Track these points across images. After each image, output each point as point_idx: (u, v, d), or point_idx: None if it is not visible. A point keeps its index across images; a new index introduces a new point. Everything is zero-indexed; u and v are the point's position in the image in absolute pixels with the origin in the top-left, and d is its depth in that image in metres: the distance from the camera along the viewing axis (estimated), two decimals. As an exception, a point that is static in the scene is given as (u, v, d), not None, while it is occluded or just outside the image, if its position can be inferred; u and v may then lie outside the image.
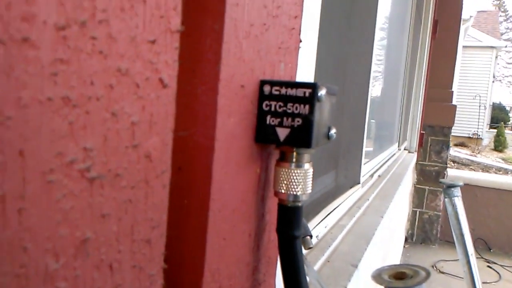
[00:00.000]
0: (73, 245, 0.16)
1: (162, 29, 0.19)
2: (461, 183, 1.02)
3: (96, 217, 0.17)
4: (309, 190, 0.34)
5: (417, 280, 0.40)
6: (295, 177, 0.33)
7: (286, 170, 0.32)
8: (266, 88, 0.30)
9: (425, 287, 0.41)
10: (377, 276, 0.43)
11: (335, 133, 0.34)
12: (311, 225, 0.96)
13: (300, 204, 0.33)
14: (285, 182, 0.33)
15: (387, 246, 1.98)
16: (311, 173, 0.34)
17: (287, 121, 0.30)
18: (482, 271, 2.87)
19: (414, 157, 3.00)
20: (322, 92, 0.29)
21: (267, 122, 0.30)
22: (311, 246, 0.59)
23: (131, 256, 0.19)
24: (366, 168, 1.60)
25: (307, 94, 0.29)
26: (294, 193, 0.33)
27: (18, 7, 0.13)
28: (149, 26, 0.19)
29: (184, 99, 0.26)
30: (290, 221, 0.33)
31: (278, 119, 0.30)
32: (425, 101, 3.16)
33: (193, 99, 0.26)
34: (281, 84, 0.30)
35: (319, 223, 0.99)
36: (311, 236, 0.61)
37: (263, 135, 0.31)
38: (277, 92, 0.30)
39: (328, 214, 1.07)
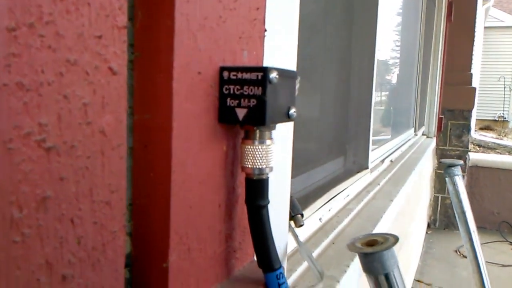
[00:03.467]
0: (34, 200, 0.20)
1: (108, 25, 0.24)
2: (460, 162, 1.03)
3: (55, 179, 0.21)
4: (272, 164, 0.37)
5: (386, 245, 0.43)
6: (258, 153, 0.36)
7: (250, 147, 0.36)
8: (225, 74, 0.34)
9: (394, 251, 0.44)
10: (351, 245, 0.46)
11: (294, 112, 0.38)
12: (314, 207, 0.99)
13: (264, 177, 0.37)
14: (250, 157, 0.36)
15: (404, 231, 1.99)
16: (273, 148, 0.37)
17: (244, 102, 0.34)
18: (506, 254, 2.83)
19: (432, 142, 2.97)
20: (273, 75, 0.33)
21: (228, 104, 0.34)
22: (302, 223, 0.63)
23: (92, 214, 0.24)
24: (376, 153, 1.61)
25: (259, 77, 0.33)
26: (259, 167, 0.36)
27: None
28: (95, 24, 0.23)
29: (146, 86, 0.30)
30: (257, 192, 0.37)
31: (237, 101, 0.34)
32: (442, 85, 3.12)
33: (153, 85, 0.30)
34: (238, 69, 0.34)
35: (322, 206, 1.02)
36: (302, 215, 0.65)
37: (225, 116, 0.35)
38: (234, 77, 0.34)
39: (333, 198, 1.10)
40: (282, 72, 0.35)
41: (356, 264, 0.95)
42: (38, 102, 0.20)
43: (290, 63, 0.54)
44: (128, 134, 0.30)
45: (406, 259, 2.41)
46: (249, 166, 0.36)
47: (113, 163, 0.25)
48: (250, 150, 0.36)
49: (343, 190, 1.19)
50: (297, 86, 0.42)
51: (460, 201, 1.03)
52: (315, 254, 0.97)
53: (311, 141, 1.32)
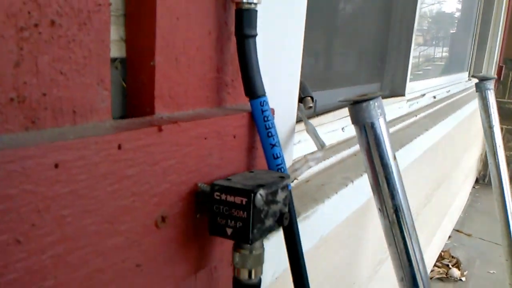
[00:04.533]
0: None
1: None
2: (494, 76, 0.98)
3: None
4: None
5: (371, 96, 0.45)
6: None
7: None
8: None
9: (380, 102, 0.46)
10: (343, 99, 0.49)
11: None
12: (337, 115, 1.01)
13: (252, 7, 0.40)
14: None
15: (441, 172, 1.95)
16: None
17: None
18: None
19: (488, 91, 2.81)
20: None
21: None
22: (310, 105, 0.66)
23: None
24: (416, 85, 1.57)
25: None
26: None
27: None
28: None
29: None
30: (245, 21, 0.40)
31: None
32: (505, 33, 2.89)
33: None
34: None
35: (345, 117, 1.03)
36: (312, 98, 0.67)
37: None
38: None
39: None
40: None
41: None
42: None
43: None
44: None
45: (446, 205, 2.37)
46: (238, -4, 0.39)
47: None
48: (239, -20, 0.39)
49: (372, 109, 1.18)
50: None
51: (488, 116, 0.99)
52: (334, 160, 1.01)
53: (348, 62, 1.31)
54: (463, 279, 2.14)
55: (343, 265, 1.00)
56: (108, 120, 0.33)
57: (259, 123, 0.42)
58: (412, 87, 1.52)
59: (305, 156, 0.59)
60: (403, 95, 1.38)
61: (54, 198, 0.26)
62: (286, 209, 0.39)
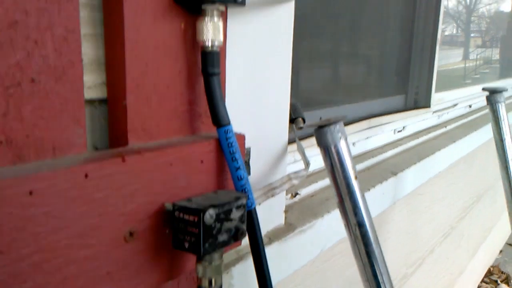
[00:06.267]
0: (6, 22, 0.33)
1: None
2: (506, 88, 0.96)
3: (20, 11, 0.34)
4: (220, 38, 0.46)
5: (334, 121, 0.50)
6: (209, 29, 0.45)
7: (202, 23, 0.45)
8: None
9: (342, 127, 0.50)
10: (309, 124, 0.53)
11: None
12: (348, 130, 1.04)
13: (214, 49, 0.46)
14: (202, 32, 0.46)
15: (475, 184, 1.87)
16: (221, 25, 0.46)
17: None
18: None
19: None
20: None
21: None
22: (301, 126, 0.71)
23: (52, 41, 0.36)
24: (445, 95, 1.54)
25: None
26: (210, 38, 0.46)
27: None
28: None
29: None
30: (209, 62, 0.46)
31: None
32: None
33: None
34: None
35: (357, 132, 1.06)
36: (303, 119, 0.73)
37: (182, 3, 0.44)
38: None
39: (373, 127, 1.13)
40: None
41: (381, 187, 0.99)
42: None
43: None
44: (99, 8, 0.42)
45: (491, 218, 2.25)
46: (202, 39, 0.46)
47: (67, 9, 0.37)
48: (202, 26, 0.46)
49: (389, 123, 1.20)
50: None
51: (500, 128, 0.97)
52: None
53: (372, 75, 1.33)
54: (511, 295, 2.04)
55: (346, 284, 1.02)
56: (84, 152, 0.40)
57: (224, 148, 0.48)
58: (441, 97, 1.50)
59: (288, 175, 0.64)
60: (428, 106, 1.37)
61: (30, 218, 0.34)
62: (243, 226, 0.44)
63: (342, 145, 0.49)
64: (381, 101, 1.30)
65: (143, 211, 0.42)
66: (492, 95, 0.96)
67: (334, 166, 0.50)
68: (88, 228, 0.38)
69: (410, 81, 1.39)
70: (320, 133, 0.50)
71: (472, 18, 7.37)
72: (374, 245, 0.49)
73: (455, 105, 1.59)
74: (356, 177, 0.50)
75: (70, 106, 0.39)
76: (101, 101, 0.45)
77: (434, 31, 1.34)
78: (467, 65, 6.00)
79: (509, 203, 1.03)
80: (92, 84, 0.43)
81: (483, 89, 1.00)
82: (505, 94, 0.98)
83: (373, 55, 1.31)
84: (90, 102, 0.43)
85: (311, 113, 1.00)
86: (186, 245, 0.41)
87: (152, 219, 0.43)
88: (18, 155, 0.36)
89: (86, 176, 0.37)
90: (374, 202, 0.97)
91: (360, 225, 0.49)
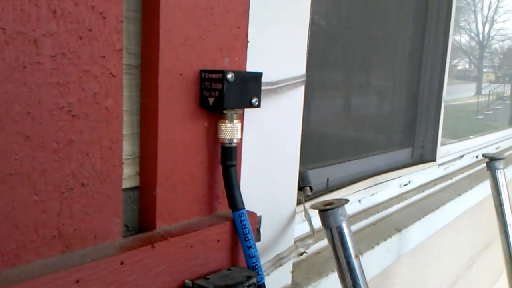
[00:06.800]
0: (64, 141, 0.41)
1: (110, 49, 0.43)
2: (503, 157, 1.01)
3: (77, 132, 0.42)
4: (238, 136, 0.54)
5: (337, 205, 0.56)
6: (228, 128, 0.53)
7: (223, 124, 0.53)
8: (203, 74, 0.52)
9: (344, 210, 0.56)
10: (313, 205, 0.60)
11: (256, 101, 0.53)
12: (352, 189, 1.10)
13: (233, 145, 0.54)
14: (222, 131, 0.53)
15: (479, 228, 1.89)
16: (239, 126, 0.54)
17: (212, 94, 0.51)
18: None
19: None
20: (229, 75, 0.50)
21: (204, 94, 0.52)
22: (308, 194, 0.78)
23: (100, 152, 0.44)
24: (451, 147, 1.60)
25: (219, 77, 0.50)
26: (228, 138, 0.53)
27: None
28: (100, 48, 0.43)
29: (145, 81, 0.49)
30: (227, 155, 0.54)
31: (208, 92, 0.51)
32: None
33: (149, 81, 0.49)
34: (209, 71, 0.51)
35: (363, 189, 1.12)
36: (311, 188, 0.79)
37: (203, 102, 0.52)
38: (208, 76, 0.51)
39: (380, 183, 1.18)
40: (240, 74, 0.51)
41: (385, 245, 1.04)
42: (67, 91, 0.41)
43: (287, 65, 0.68)
44: (136, 112, 0.50)
45: (500, 264, 2.25)
46: (222, 137, 0.54)
47: (113, 125, 0.45)
48: (222, 126, 0.53)
49: (394, 178, 1.26)
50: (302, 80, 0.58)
51: (499, 194, 1.02)
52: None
53: (379, 129, 1.40)
54: None
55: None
56: (119, 239, 0.48)
57: (238, 230, 0.55)
58: (447, 150, 1.56)
59: (295, 243, 0.70)
60: (434, 160, 1.43)
61: (76, 301, 0.41)
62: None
63: (344, 227, 0.56)
64: (388, 156, 1.36)
65: (166, 289, 0.49)
66: (492, 162, 1.02)
67: (336, 245, 0.57)
68: (121, 307, 0.45)
69: (416, 135, 1.45)
70: (324, 215, 0.57)
71: (485, 53, 7.42)
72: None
73: (461, 156, 1.64)
74: (356, 256, 0.56)
75: (111, 201, 0.46)
76: (133, 188, 0.52)
77: (439, 88, 1.41)
78: (480, 100, 6.01)
79: (508, 266, 1.06)
80: (127, 175, 0.51)
81: (483, 155, 1.06)
82: (503, 162, 1.04)
83: (380, 111, 1.38)
84: (124, 190, 0.51)
85: (318, 171, 1.07)
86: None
87: (174, 295, 0.50)
88: (66, 245, 0.43)
89: (121, 263, 0.44)
90: (378, 259, 1.02)
91: (359, 300, 0.55)
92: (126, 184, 0.51)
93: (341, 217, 0.56)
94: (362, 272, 0.57)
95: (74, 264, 0.41)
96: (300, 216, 0.89)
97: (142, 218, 0.52)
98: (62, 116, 0.41)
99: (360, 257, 0.98)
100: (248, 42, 0.58)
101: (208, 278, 0.50)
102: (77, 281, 0.41)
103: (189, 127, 0.52)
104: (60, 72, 0.40)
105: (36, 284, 0.38)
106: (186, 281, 0.50)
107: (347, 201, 0.57)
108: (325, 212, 0.57)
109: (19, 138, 0.38)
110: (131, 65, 0.49)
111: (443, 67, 1.38)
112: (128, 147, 0.50)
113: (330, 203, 0.58)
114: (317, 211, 0.58)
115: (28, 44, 0.38)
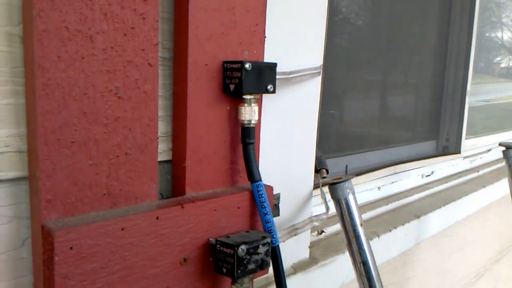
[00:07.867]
0: (112, 118, 0.51)
1: (148, 44, 0.54)
2: None
3: (122, 111, 0.52)
4: (255, 118, 0.63)
5: (344, 180, 0.64)
6: (247, 111, 0.62)
7: (242, 107, 0.62)
8: (225, 64, 0.61)
9: (351, 184, 0.64)
10: (324, 181, 0.68)
11: (271, 87, 0.62)
12: (371, 176, 1.16)
13: (251, 125, 0.63)
14: (242, 113, 0.62)
15: (509, 221, 1.88)
16: (257, 109, 0.62)
17: (233, 81, 0.60)
18: None
19: None
20: (247, 65, 0.58)
21: (226, 81, 0.61)
22: (324, 176, 0.86)
23: (140, 128, 0.54)
24: (478, 141, 1.61)
25: (238, 67, 0.59)
26: (248, 119, 0.62)
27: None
28: (142, 43, 0.53)
29: (177, 71, 0.59)
30: (246, 135, 0.63)
31: (230, 80, 0.61)
32: None
33: (179, 70, 0.59)
34: (230, 62, 0.60)
35: (383, 177, 1.18)
36: (327, 170, 0.87)
37: (225, 89, 0.62)
38: (229, 66, 0.61)
39: (400, 172, 1.23)
40: (256, 63, 0.60)
41: (403, 229, 1.10)
42: (114, 77, 0.51)
43: (303, 57, 0.77)
44: (170, 97, 0.60)
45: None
46: (242, 118, 0.63)
47: (150, 106, 0.55)
48: (242, 109, 0.62)
49: (416, 168, 1.30)
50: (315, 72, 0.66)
51: (516, 181, 1.05)
52: (369, 215, 1.15)
53: (404, 122, 1.44)
54: None
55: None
56: (155, 201, 0.58)
57: (256, 198, 0.64)
58: (473, 143, 1.58)
59: (310, 217, 0.78)
60: (459, 152, 1.46)
61: (121, 246, 0.51)
62: (268, 259, 0.59)
63: (351, 198, 0.63)
64: (411, 147, 1.41)
65: (194, 244, 0.58)
66: (508, 150, 1.05)
67: (343, 215, 0.64)
68: (157, 254, 0.55)
69: (441, 128, 1.49)
70: (333, 188, 0.65)
71: (531, 50, 7.10)
72: (375, 280, 0.62)
73: (489, 150, 1.65)
74: (361, 224, 0.63)
75: (148, 169, 0.56)
76: (167, 161, 0.62)
77: (464, 82, 1.44)
78: (525, 99, 5.77)
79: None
80: (162, 150, 0.61)
81: (500, 144, 1.09)
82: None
83: (405, 102, 1.43)
84: (160, 163, 0.61)
85: (338, 159, 1.14)
86: (224, 270, 0.57)
87: (200, 249, 0.59)
88: (114, 202, 0.54)
89: (157, 218, 0.54)
90: (396, 242, 1.08)
91: (364, 263, 0.62)
92: (161, 158, 0.61)
93: (348, 190, 0.63)
94: (367, 239, 0.64)
95: (120, 215, 0.51)
96: (317, 199, 0.97)
97: (174, 187, 0.62)
98: (111, 97, 0.51)
99: (376, 239, 1.04)
100: (265, 37, 0.67)
101: (229, 237, 0.59)
102: (122, 229, 0.51)
103: (214, 110, 0.62)
104: (109, 62, 0.50)
105: (91, 227, 0.48)
106: (210, 239, 0.60)
107: (353, 176, 0.64)
108: (334, 185, 0.64)
109: (79, 113, 0.49)
110: (165, 57, 0.59)
111: (467, 61, 1.41)
112: (163, 127, 0.60)
113: (339, 178, 0.65)
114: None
115: (85, 39, 0.48)
